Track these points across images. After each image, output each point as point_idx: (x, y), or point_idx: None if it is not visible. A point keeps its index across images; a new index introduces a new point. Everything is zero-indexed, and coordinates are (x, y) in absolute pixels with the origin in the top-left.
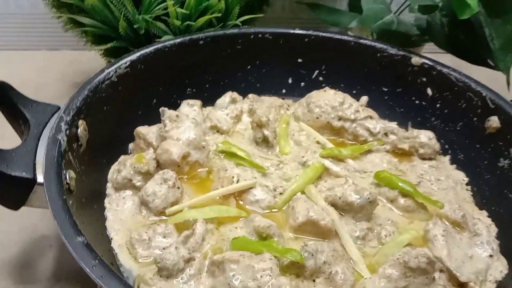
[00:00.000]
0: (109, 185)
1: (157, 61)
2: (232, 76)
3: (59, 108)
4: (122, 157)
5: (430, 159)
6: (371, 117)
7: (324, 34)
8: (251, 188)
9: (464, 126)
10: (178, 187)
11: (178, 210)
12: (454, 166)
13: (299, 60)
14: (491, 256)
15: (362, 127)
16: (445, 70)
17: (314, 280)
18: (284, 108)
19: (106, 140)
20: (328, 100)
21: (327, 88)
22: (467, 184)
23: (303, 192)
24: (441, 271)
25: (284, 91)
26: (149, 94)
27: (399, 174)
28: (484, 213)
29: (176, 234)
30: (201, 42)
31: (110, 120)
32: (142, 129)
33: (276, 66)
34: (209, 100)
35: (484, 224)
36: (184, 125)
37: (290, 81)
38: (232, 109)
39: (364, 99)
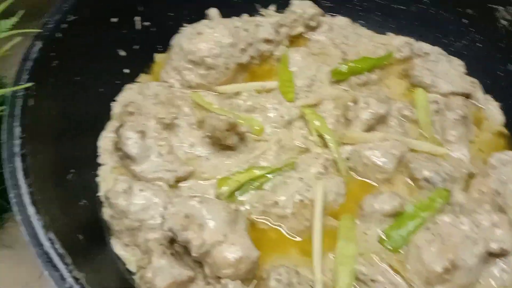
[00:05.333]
0: None
1: None
2: None
3: None
4: None
5: (319, 24)
6: (256, 25)
7: None
8: None
9: None
10: None
11: None
12: (330, 15)
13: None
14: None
15: (261, 41)
16: None
17: None
18: (166, 86)
19: None
20: (217, 41)
21: (189, 30)
22: (353, 23)
23: (345, 143)
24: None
25: (127, 71)
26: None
27: (322, 61)
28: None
29: None
30: None
31: None
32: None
33: None
34: None
35: (423, 44)
36: (202, 217)
37: (123, 53)
38: (156, 147)
39: (214, 12)
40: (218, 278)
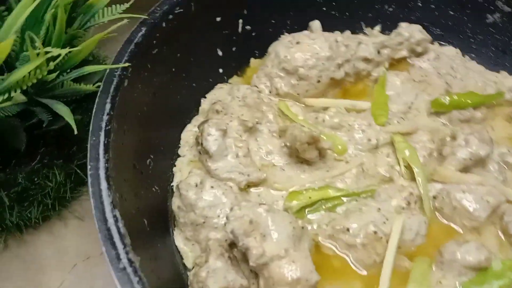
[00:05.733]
0: None
1: None
2: None
3: None
4: None
5: (425, 51)
6: (358, 42)
7: None
8: None
9: None
10: None
11: None
12: (439, 43)
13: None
14: None
15: (359, 59)
16: None
17: None
18: (255, 91)
19: None
20: (314, 52)
21: (288, 39)
22: (464, 55)
23: (435, 180)
24: None
25: (221, 70)
26: None
27: (422, 90)
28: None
29: None
30: None
31: None
32: None
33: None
34: None
35: None
36: (266, 227)
37: (220, 53)
38: (234, 148)
39: (316, 24)
40: None
